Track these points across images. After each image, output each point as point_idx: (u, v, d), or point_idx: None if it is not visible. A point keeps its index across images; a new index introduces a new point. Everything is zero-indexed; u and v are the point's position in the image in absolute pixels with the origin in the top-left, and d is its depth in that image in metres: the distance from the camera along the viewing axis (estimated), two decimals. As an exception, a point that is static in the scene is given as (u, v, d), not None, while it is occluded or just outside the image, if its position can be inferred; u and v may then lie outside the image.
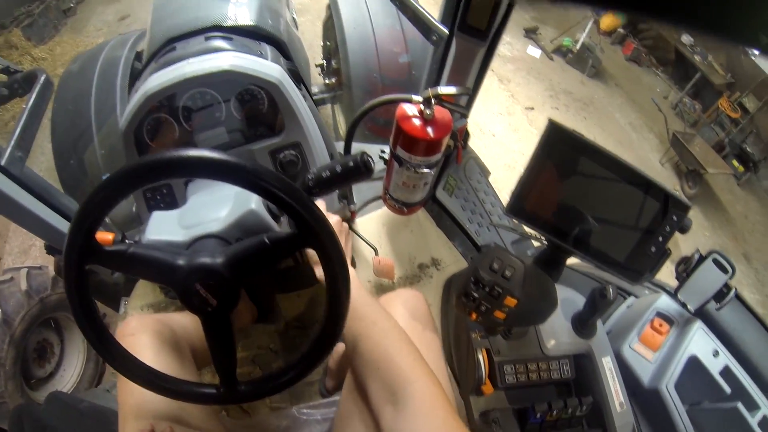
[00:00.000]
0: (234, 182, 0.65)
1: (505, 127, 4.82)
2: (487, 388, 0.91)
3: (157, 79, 1.26)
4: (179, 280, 0.73)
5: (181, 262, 0.73)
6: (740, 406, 1.02)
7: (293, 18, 2.40)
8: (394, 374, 0.72)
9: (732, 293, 1.09)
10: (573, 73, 6.18)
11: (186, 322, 1.07)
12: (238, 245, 0.75)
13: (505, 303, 0.82)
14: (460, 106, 1.24)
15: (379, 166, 1.26)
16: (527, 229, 1.09)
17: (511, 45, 5.99)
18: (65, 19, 7.39)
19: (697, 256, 1.12)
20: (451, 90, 0.99)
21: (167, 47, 1.51)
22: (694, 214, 5.17)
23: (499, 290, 0.82)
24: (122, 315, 1.64)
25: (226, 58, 1.29)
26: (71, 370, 2.43)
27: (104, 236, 0.92)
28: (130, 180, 0.65)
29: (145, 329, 0.95)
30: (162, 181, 0.79)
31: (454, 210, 1.61)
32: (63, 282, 0.74)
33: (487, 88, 4.85)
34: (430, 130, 1.03)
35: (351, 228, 1.56)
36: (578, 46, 6.16)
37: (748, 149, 6.14)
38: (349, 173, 0.92)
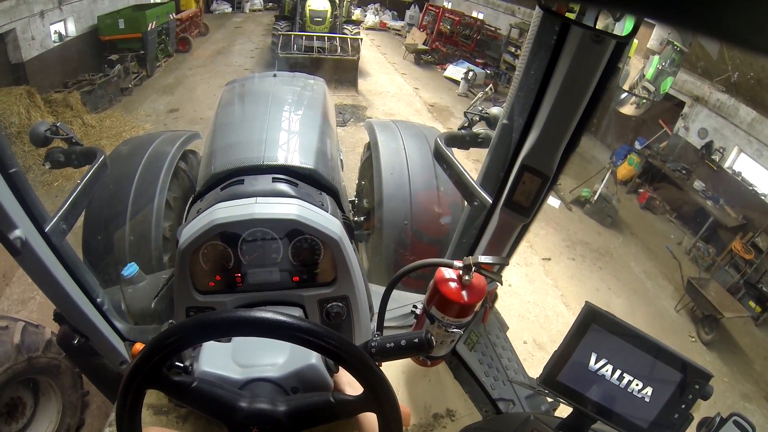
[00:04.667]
0: (310, 347, 0.69)
1: (521, 277, 4.96)
2: None
3: (226, 212, 1.37)
4: (237, 421, 0.74)
5: (242, 404, 0.75)
6: None
7: (341, 160, 2.54)
8: None
9: None
10: (590, 224, 6.46)
11: None
12: (302, 398, 0.78)
13: None
14: (495, 274, 1.30)
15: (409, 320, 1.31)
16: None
17: None
18: (121, 97, 8.15)
19: (718, 419, 1.12)
20: (490, 260, 1.07)
21: (235, 178, 1.62)
22: (712, 360, 5.03)
23: None
24: None
25: (293, 208, 1.39)
26: (37, 436, 2.26)
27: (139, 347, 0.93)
28: (215, 329, 0.70)
29: None
30: (237, 336, 0.83)
31: (472, 364, 1.65)
32: (116, 402, 0.74)
33: None
34: (465, 294, 1.10)
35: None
36: (596, 197, 6.48)
37: (765, 289, 6.06)
38: (412, 348, 0.94)
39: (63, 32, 8.15)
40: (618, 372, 1.10)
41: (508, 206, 1.24)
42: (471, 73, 10.90)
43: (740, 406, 4.95)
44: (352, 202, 2.96)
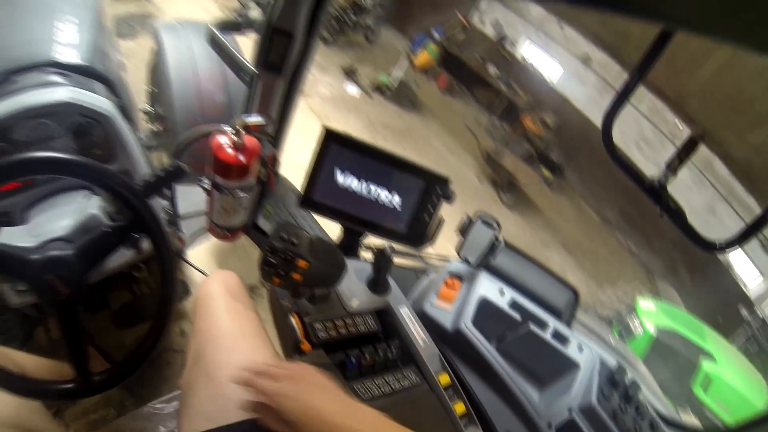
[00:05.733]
0: (83, 179, 0.84)
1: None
2: (305, 346, 1.00)
3: (2, 108, 1.34)
4: (32, 272, 0.83)
5: (33, 256, 0.84)
6: (532, 327, 1.21)
7: (121, 60, 2.50)
8: None
9: (501, 243, 1.34)
10: (391, 108, 6.61)
11: None
12: (84, 237, 0.89)
13: (299, 265, 0.98)
14: (269, 134, 1.45)
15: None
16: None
17: (331, 85, 6.21)
18: None
19: (466, 220, 1.33)
20: (256, 119, 1.19)
21: (6, 79, 1.60)
22: (515, 219, 5.72)
23: (291, 254, 0.98)
24: None
25: (64, 92, 1.40)
26: None
27: None
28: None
29: None
30: (30, 176, 1.06)
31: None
32: None
33: (306, 127, 4.79)
34: (240, 156, 1.17)
35: (182, 258, 1.71)
36: (396, 82, 6.63)
37: (553, 158, 7.10)
38: (170, 175, 1.05)
39: None
40: (364, 184, 1.25)
41: (265, 67, 1.37)
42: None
43: (540, 251, 5.78)
44: (147, 113, 2.88)
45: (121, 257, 1.16)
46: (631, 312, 5.26)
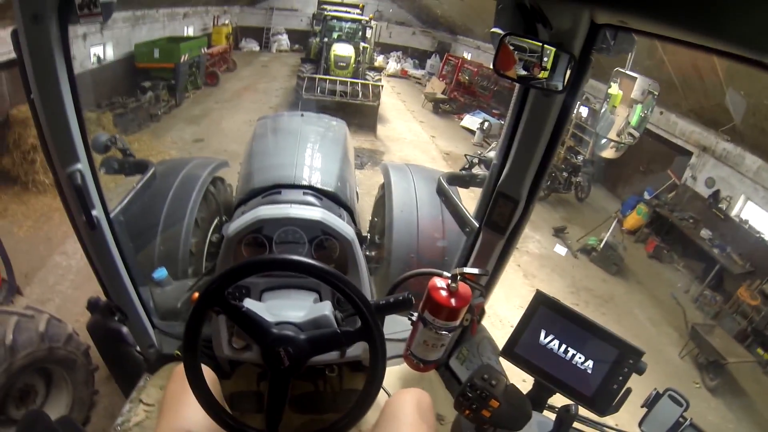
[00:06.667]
0: (327, 283, 1.04)
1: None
2: None
3: (267, 212, 1.71)
4: (268, 341, 1.03)
5: (274, 330, 1.04)
6: None
7: (357, 192, 2.88)
8: None
9: (688, 422, 1.29)
10: (596, 271, 6.54)
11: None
12: (316, 331, 1.10)
13: (490, 404, 1.16)
14: (480, 285, 1.54)
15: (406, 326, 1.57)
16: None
17: (540, 243, 6.51)
18: (150, 122, 8.59)
19: (654, 393, 1.31)
20: (473, 270, 1.35)
21: (274, 190, 2.03)
22: (716, 406, 4.92)
23: (487, 393, 1.15)
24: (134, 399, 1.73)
25: (318, 213, 1.74)
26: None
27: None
28: (265, 266, 1.08)
29: None
30: (284, 271, 1.30)
31: (462, 376, 1.84)
32: (187, 319, 1.04)
33: (512, 282, 5.23)
34: (453, 300, 1.33)
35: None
36: (602, 245, 6.58)
37: None
38: (398, 304, 1.24)
39: (101, 55, 8.64)
40: (563, 347, 1.36)
41: (488, 226, 1.53)
42: (486, 123, 11.11)
43: None
44: (365, 237, 3.18)
45: (330, 355, 1.29)
46: None
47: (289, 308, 1.35)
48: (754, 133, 6.44)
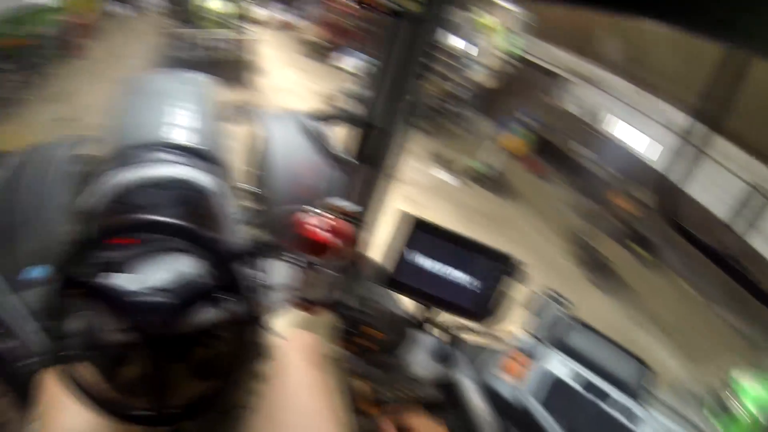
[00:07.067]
0: (184, 240, 0.99)
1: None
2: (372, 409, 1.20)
3: (127, 175, 1.67)
4: (134, 312, 0.95)
5: (138, 299, 0.97)
6: (603, 405, 1.26)
7: (228, 144, 2.82)
8: None
9: (568, 318, 1.38)
10: (487, 195, 7.02)
11: None
12: (179, 288, 1.01)
13: (373, 335, 1.24)
14: (358, 218, 1.51)
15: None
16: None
17: (427, 174, 6.82)
18: (5, 108, 7.24)
19: (535, 296, 1.41)
20: (343, 203, 1.34)
21: (131, 153, 1.93)
22: (608, 301, 5.69)
23: (366, 324, 1.24)
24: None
25: (175, 169, 1.74)
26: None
27: None
28: (119, 231, 0.97)
29: None
30: (145, 234, 1.11)
31: (349, 313, 1.89)
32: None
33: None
34: (326, 235, 1.31)
35: (263, 323, 1.81)
36: (487, 169, 7.06)
37: (649, 237, 6.82)
38: (259, 247, 1.16)
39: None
40: (441, 266, 1.35)
41: (361, 159, 1.56)
42: (358, 62, 10.56)
43: (633, 331, 5.65)
44: (253, 193, 3.13)
45: (210, 316, 1.22)
46: (726, 389, 4.62)
47: (158, 273, 1.24)
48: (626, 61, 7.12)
